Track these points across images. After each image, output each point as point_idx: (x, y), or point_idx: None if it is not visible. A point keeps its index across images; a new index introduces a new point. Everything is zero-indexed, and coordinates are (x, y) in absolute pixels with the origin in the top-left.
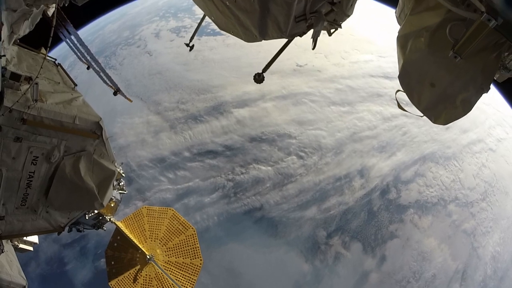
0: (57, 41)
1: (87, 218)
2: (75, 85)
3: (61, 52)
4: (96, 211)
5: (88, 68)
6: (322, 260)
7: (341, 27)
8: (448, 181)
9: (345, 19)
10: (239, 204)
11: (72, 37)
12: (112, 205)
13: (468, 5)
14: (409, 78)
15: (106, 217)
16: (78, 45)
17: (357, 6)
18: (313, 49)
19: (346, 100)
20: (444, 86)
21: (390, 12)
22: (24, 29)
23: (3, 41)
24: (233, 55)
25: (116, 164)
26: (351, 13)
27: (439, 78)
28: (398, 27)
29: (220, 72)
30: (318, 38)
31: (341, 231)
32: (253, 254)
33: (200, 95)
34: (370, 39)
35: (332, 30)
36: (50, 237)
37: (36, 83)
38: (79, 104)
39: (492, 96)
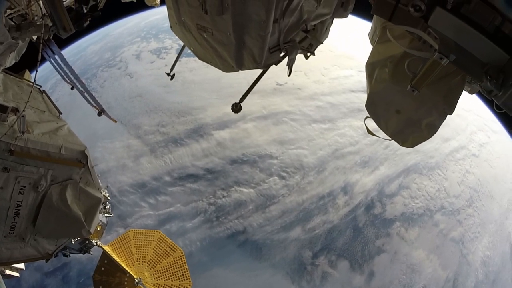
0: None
1: (73, 242)
2: (60, 113)
3: (42, 73)
4: None
5: (72, 89)
6: (309, 281)
7: (314, 54)
8: (433, 190)
9: (320, 44)
10: (222, 228)
11: (56, 57)
12: (98, 229)
13: (424, 41)
14: (375, 106)
15: (93, 241)
16: (62, 65)
17: (335, 22)
18: (288, 75)
19: (327, 117)
20: (409, 113)
21: (368, 26)
22: (10, 60)
23: None
24: (214, 76)
25: (101, 188)
26: (327, 37)
27: (404, 106)
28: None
29: (201, 93)
30: (295, 62)
31: (327, 250)
32: (238, 278)
33: (180, 118)
34: (350, 54)
35: (308, 54)
36: (32, 265)
37: (23, 116)
38: (65, 133)
39: (472, 102)
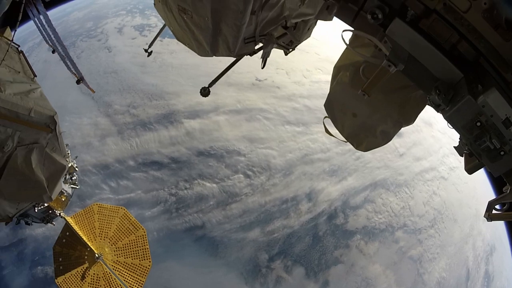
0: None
1: (36, 211)
2: (35, 75)
3: (22, 34)
4: (46, 204)
5: (53, 52)
6: (263, 284)
7: (293, 49)
8: (397, 208)
9: (301, 42)
10: (180, 221)
11: (41, 17)
12: (63, 199)
13: (380, 49)
14: (333, 107)
15: (56, 211)
16: (46, 26)
17: (325, 26)
18: (262, 68)
19: (302, 120)
20: (364, 118)
21: None
22: None
23: None
24: (192, 62)
25: (70, 158)
26: (308, 37)
27: (360, 110)
28: None
29: (176, 78)
30: (269, 57)
31: (284, 254)
32: (191, 273)
33: (153, 101)
34: (335, 59)
35: (288, 51)
36: None
37: None
38: (36, 97)
39: (448, 125)
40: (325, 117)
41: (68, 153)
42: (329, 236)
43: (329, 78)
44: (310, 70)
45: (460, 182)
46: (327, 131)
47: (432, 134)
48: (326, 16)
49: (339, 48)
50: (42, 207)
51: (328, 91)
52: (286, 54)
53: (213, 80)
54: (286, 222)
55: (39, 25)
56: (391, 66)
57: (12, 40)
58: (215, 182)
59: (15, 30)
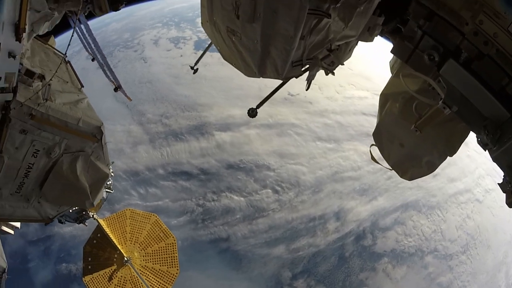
0: (63, 29)
1: (71, 211)
2: (82, 86)
3: (61, 42)
4: None
5: (93, 60)
6: None
7: (333, 74)
8: (429, 231)
9: (343, 63)
10: (205, 232)
11: (82, 26)
12: (98, 202)
13: (433, 88)
14: (381, 136)
15: (89, 213)
16: (86, 35)
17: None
18: (306, 90)
19: (333, 136)
20: (411, 148)
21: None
22: (44, 29)
23: (23, 38)
24: (226, 75)
25: (110, 165)
26: (349, 57)
27: (407, 141)
28: None
29: (209, 90)
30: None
31: (308, 274)
32: (212, 285)
33: (185, 112)
34: (368, 75)
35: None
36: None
37: (49, 84)
38: (84, 107)
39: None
40: (372, 145)
41: None
42: (355, 257)
43: (362, 94)
44: (343, 86)
45: (496, 205)
46: (373, 158)
47: (467, 154)
48: (367, 37)
49: (373, 64)
50: (76, 208)
51: (361, 108)
52: (327, 74)
53: (260, 102)
54: (312, 240)
55: (80, 34)
56: (446, 108)
57: (65, 53)
58: (243, 196)
59: (68, 45)
